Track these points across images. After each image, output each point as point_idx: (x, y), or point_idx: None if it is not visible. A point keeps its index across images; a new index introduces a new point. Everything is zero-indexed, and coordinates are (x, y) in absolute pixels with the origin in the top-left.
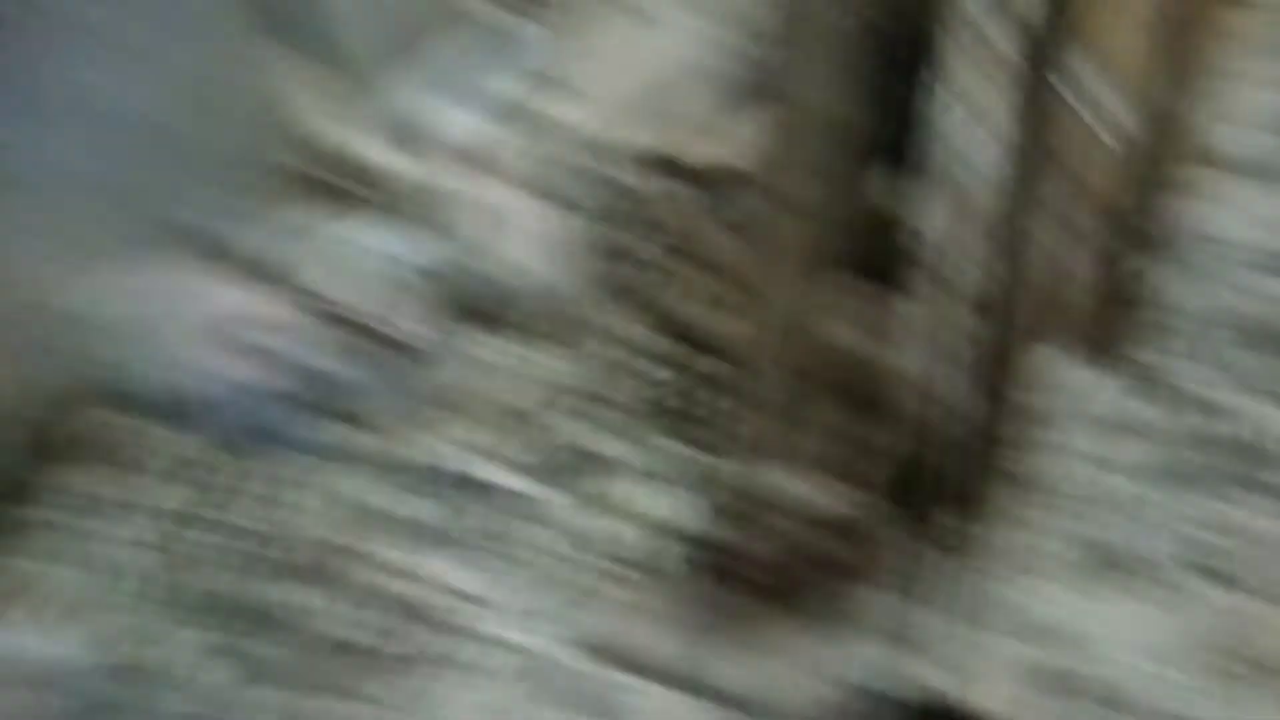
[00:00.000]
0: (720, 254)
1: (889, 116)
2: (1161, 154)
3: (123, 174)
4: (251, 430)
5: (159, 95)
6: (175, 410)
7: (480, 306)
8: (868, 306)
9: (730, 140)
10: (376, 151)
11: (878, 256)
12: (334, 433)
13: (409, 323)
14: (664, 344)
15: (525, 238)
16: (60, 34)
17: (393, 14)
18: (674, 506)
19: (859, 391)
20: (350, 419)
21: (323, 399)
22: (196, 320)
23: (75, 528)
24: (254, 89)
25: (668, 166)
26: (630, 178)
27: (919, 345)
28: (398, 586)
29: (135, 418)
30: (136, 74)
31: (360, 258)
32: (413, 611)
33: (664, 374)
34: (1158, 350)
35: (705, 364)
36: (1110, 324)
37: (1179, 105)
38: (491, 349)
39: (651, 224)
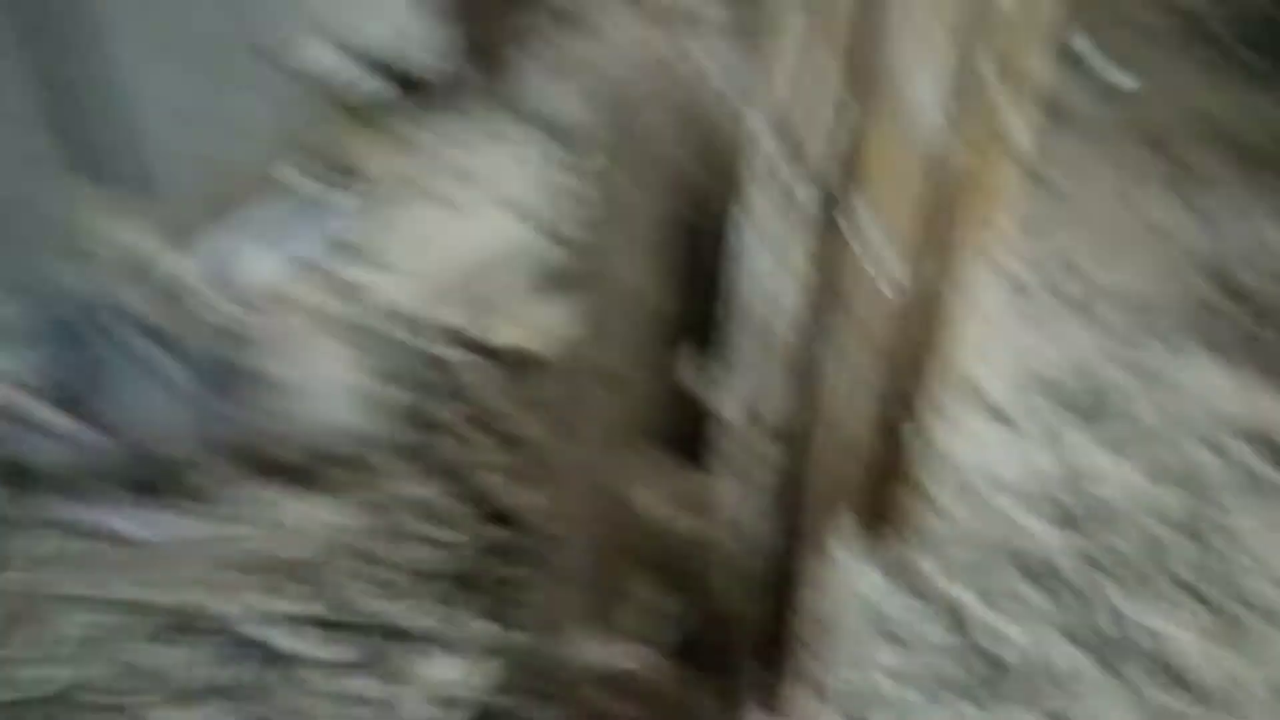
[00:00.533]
0: (519, 429)
1: (696, 295)
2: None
3: None
4: None
5: None
6: None
7: (271, 454)
8: (674, 479)
9: (533, 324)
10: (185, 286)
11: (684, 430)
12: None
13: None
14: (458, 510)
15: (326, 389)
16: None
17: (208, 169)
18: (459, 673)
19: (660, 560)
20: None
21: None
22: None
23: None
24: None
25: (471, 343)
26: (433, 348)
27: (721, 516)
28: None
29: None
30: None
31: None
32: None
33: (456, 539)
34: (928, 550)
35: (497, 533)
36: (887, 509)
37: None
38: (280, 502)
39: (451, 394)
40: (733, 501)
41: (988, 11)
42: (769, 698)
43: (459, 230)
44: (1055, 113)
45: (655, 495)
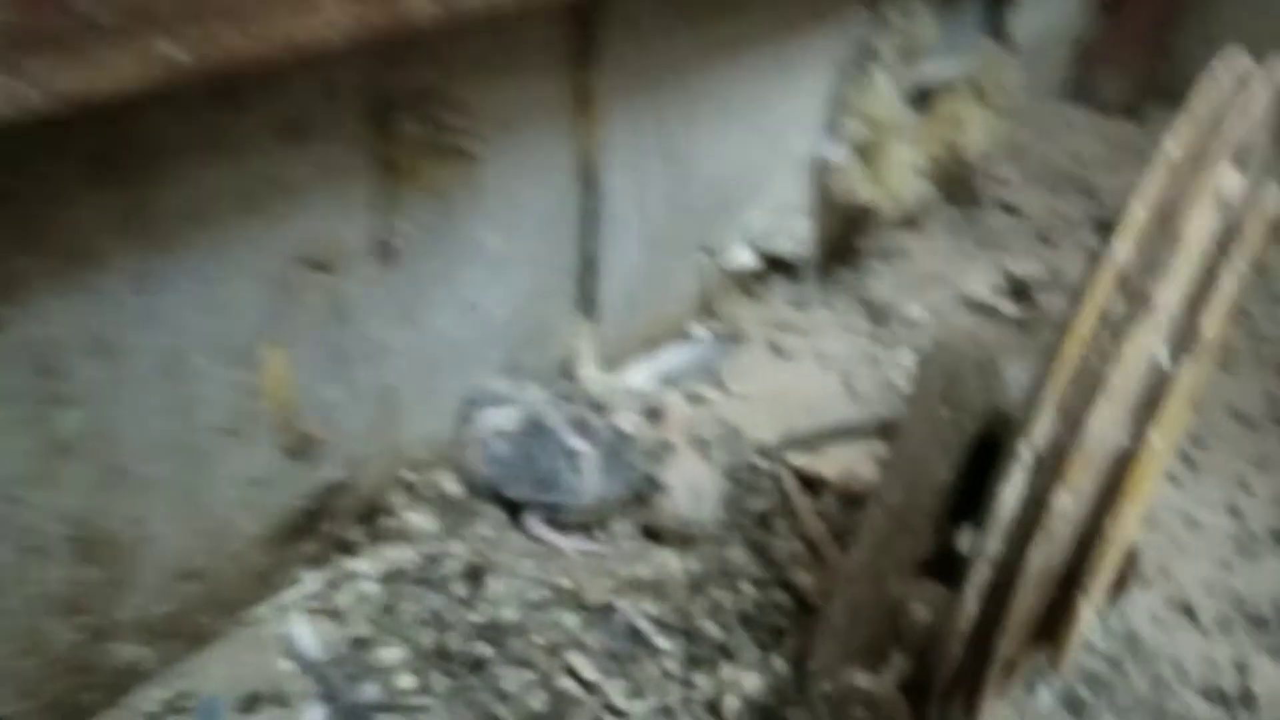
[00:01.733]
0: (813, 532)
1: (970, 489)
2: None
3: None
4: None
5: None
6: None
7: (652, 522)
8: (928, 590)
9: (838, 463)
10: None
11: (946, 568)
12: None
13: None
14: (760, 574)
15: (690, 482)
16: None
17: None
18: (758, 688)
19: (905, 635)
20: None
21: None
22: None
23: None
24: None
25: (792, 468)
26: (763, 462)
27: (950, 619)
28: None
29: None
30: None
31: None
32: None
33: (756, 595)
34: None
35: (781, 596)
36: (1056, 651)
37: None
38: (653, 550)
39: (772, 497)
40: (961, 614)
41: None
42: None
43: (791, 374)
44: None
45: (913, 596)
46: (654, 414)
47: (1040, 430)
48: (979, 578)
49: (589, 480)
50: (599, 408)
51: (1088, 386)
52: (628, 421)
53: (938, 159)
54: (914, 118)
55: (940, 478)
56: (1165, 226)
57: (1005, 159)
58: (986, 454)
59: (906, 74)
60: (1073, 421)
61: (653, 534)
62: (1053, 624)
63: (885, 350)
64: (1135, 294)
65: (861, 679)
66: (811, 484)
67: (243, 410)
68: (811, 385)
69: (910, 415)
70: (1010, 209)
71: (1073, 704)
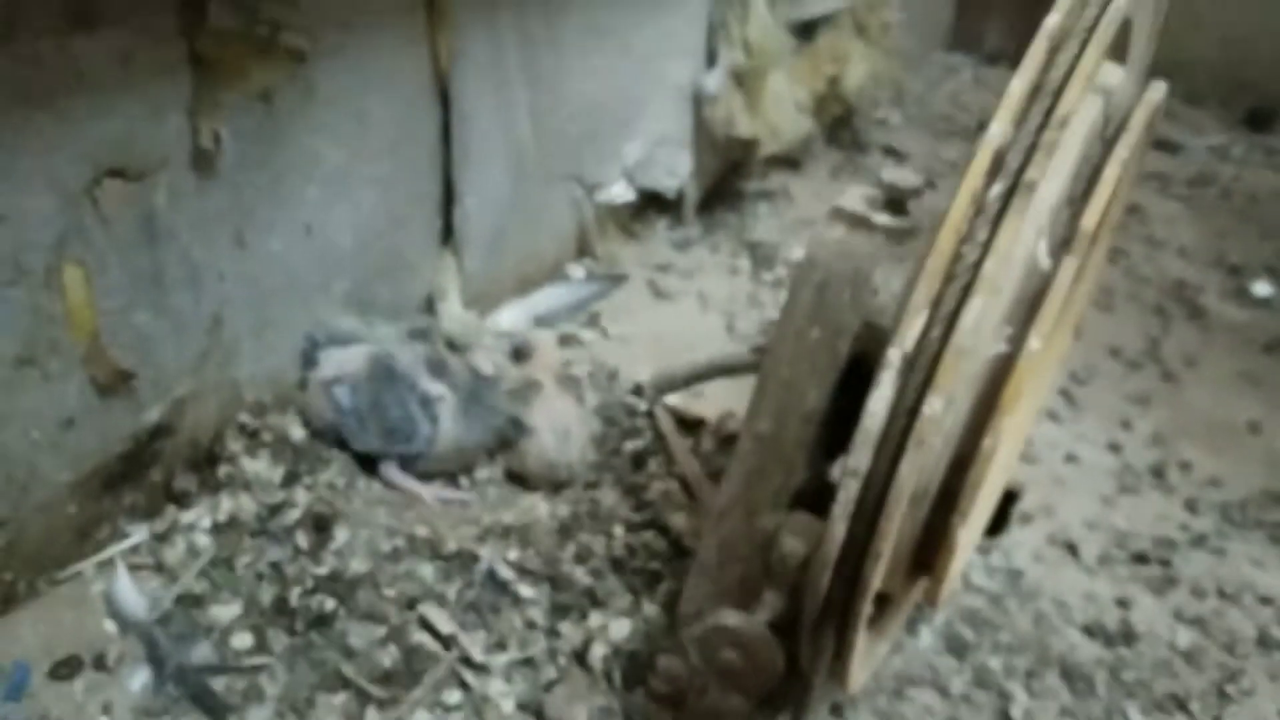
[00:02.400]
0: (689, 473)
1: (844, 415)
2: None
3: None
4: None
5: None
6: None
7: (516, 468)
8: (801, 522)
9: (716, 404)
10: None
11: (816, 495)
12: None
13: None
14: (630, 517)
15: (558, 424)
16: None
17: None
18: (627, 634)
19: (777, 569)
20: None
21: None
22: None
23: None
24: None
25: (669, 409)
26: (638, 402)
27: (821, 548)
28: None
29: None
30: None
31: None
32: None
33: (627, 537)
34: (984, 636)
35: (651, 536)
36: (932, 582)
37: None
38: (517, 494)
39: (647, 438)
40: (830, 540)
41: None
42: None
43: (672, 315)
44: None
45: (785, 529)
46: (520, 353)
47: (910, 331)
48: (846, 497)
49: (446, 427)
50: (458, 347)
51: (961, 282)
52: (489, 362)
53: (819, 96)
54: (795, 50)
55: (811, 403)
56: (1044, 111)
57: (888, 102)
58: (860, 376)
59: (786, 3)
60: (945, 319)
61: (519, 479)
62: (929, 554)
63: (769, 291)
64: (1012, 181)
65: (730, 617)
66: (690, 425)
67: (41, 338)
68: (692, 326)
69: (779, 337)
70: (893, 152)
71: (955, 644)
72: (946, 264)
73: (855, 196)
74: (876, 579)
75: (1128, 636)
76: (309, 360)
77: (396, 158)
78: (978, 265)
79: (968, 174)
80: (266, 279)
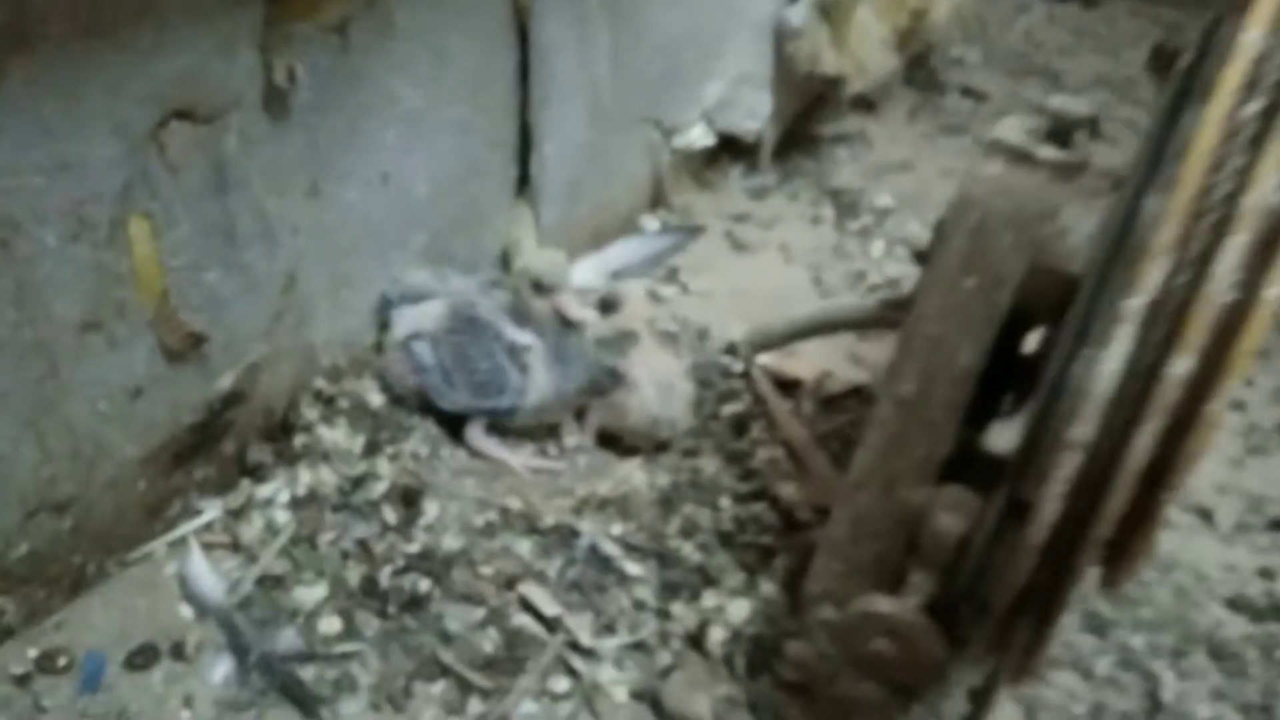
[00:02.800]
0: (795, 438)
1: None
2: None
3: None
4: None
5: None
6: None
7: (619, 424)
8: (953, 495)
9: (811, 363)
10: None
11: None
12: None
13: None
14: (741, 488)
15: (659, 376)
16: None
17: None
18: (746, 616)
19: (929, 550)
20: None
21: None
22: None
23: None
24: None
25: (765, 368)
26: (732, 362)
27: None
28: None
29: None
30: None
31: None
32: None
33: (734, 509)
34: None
35: (766, 511)
36: (1116, 566)
37: None
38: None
39: (745, 401)
40: (1037, 521)
41: None
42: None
43: (754, 269)
44: None
45: (939, 505)
46: (609, 305)
47: (1151, 277)
48: (1066, 472)
49: (538, 377)
50: (544, 288)
51: (1210, 221)
52: (577, 306)
53: (902, 31)
54: None
55: (963, 363)
56: None
57: (963, 40)
58: (1019, 331)
59: None
60: (1194, 264)
61: (612, 441)
62: (1124, 533)
63: (855, 242)
64: (1275, 96)
65: (882, 603)
66: (784, 387)
67: (106, 300)
68: (776, 280)
69: (924, 289)
70: (971, 93)
71: (1094, 622)
72: (1195, 197)
73: (1013, 127)
74: (1087, 565)
75: (1276, 611)
76: (384, 321)
77: (475, 100)
78: (1231, 199)
79: (1218, 91)
80: (342, 232)
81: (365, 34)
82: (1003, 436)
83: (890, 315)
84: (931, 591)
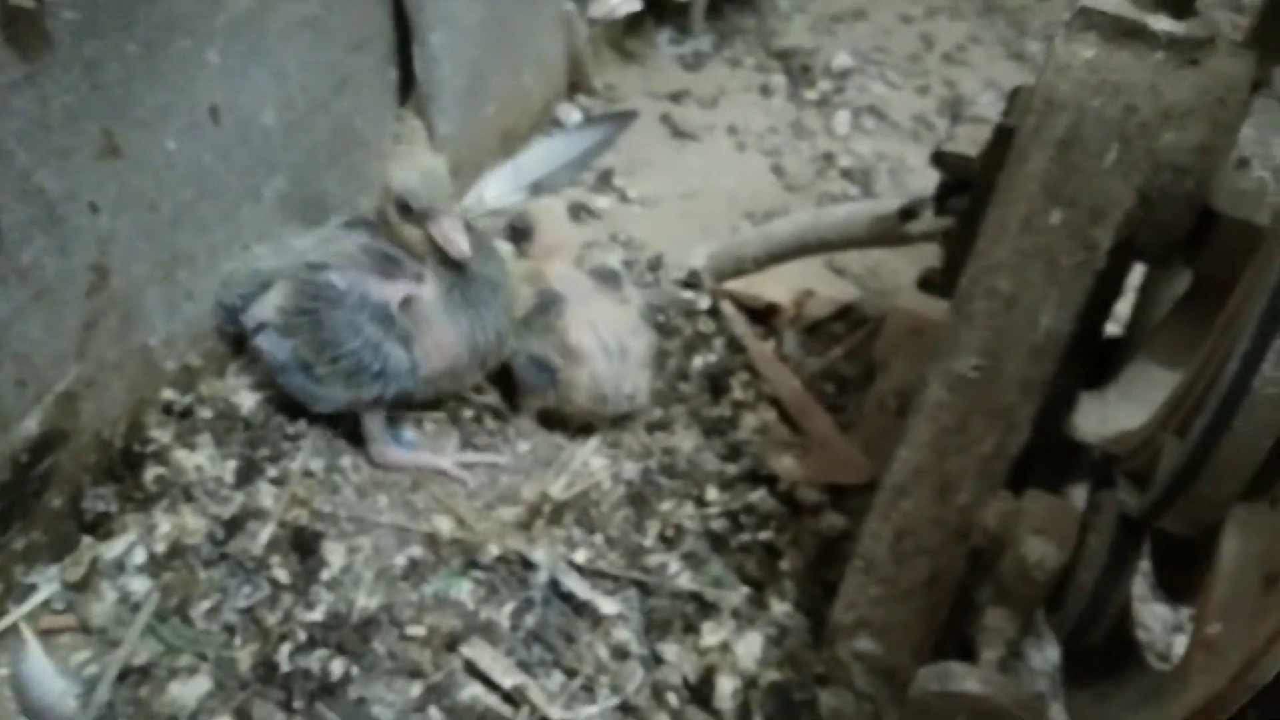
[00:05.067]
0: (785, 392)
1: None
2: None
3: None
4: None
5: None
6: None
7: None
8: (1058, 519)
9: (782, 282)
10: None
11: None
12: None
13: None
14: (725, 468)
15: (613, 337)
16: None
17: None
18: (758, 655)
19: (1008, 582)
20: None
21: None
22: None
23: None
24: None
25: (733, 295)
26: (696, 297)
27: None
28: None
29: None
30: None
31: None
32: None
33: (724, 499)
34: None
35: (755, 494)
36: None
37: None
38: (573, 452)
39: (717, 346)
40: (1101, 540)
41: None
42: None
43: (697, 160)
44: None
45: (1022, 521)
46: (519, 233)
47: None
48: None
49: (436, 333)
50: (412, 214)
51: None
52: (461, 238)
53: None
54: None
55: (1047, 328)
56: None
57: None
58: (1116, 281)
59: None
60: None
61: (558, 421)
62: None
63: (815, 115)
64: None
65: (967, 680)
66: (758, 315)
67: None
68: (731, 173)
69: (990, 229)
70: None
71: None
72: None
73: None
74: None
75: None
76: (236, 334)
77: None
78: None
79: None
80: (163, 196)
81: None
82: (1096, 418)
83: (898, 230)
84: (1014, 637)
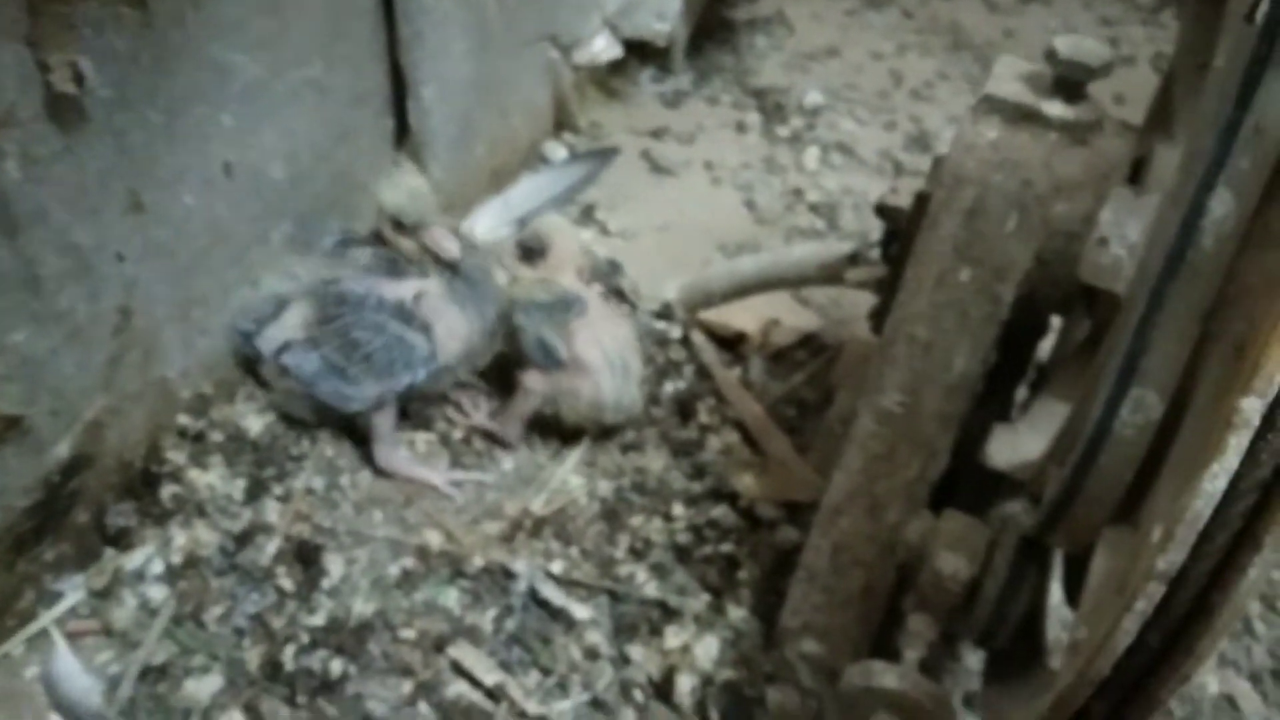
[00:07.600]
0: (748, 416)
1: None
2: None
3: None
4: None
5: None
6: None
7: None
8: (967, 538)
9: (753, 311)
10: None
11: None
12: None
13: None
14: (690, 486)
15: (611, 347)
16: None
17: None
18: (716, 656)
19: (928, 591)
20: None
21: None
22: None
23: None
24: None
25: (703, 324)
26: (669, 326)
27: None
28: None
29: None
30: None
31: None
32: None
33: (689, 514)
34: None
35: (726, 512)
36: None
37: None
38: (553, 470)
39: (687, 375)
40: (1003, 555)
41: None
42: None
43: (674, 194)
44: None
45: (938, 539)
46: (531, 251)
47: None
48: (1146, 604)
49: (450, 324)
50: (404, 229)
51: None
52: (451, 243)
53: None
54: None
55: (959, 369)
56: None
57: None
58: (1027, 333)
59: None
60: None
61: (547, 427)
62: None
63: (787, 151)
64: None
65: (886, 676)
66: (726, 342)
67: None
68: (705, 206)
69: (910, 284)
70: None
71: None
72: None
73: (1010, 77)
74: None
75: None
76: (250, 357)
77: (329, 53)
78: None
79: None
80: (182, 246)
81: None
82: (1007, 447)
83: (850, 272)
84: (932, 639)
